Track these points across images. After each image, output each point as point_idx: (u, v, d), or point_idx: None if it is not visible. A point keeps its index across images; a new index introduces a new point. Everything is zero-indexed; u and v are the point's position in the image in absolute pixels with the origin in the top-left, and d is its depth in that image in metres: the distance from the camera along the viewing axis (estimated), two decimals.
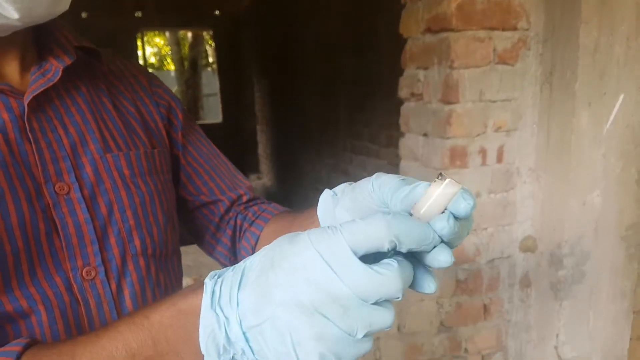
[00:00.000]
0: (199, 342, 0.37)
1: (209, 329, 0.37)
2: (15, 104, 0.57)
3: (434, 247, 0.37)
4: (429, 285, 0.39)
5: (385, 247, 0.34)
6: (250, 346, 0.36)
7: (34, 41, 0.63)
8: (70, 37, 0.64)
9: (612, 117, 1.67)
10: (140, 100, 0.73)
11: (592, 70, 1.62)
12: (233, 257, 0.81)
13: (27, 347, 0.42)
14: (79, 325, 0.57)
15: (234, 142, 8.11)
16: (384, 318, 0.34)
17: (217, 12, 7.82)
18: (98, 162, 0.62)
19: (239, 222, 0.80)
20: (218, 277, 0.39)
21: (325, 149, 4.60)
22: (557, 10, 1.66)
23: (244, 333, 0.36)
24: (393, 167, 3.18)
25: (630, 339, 1.95)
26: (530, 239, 1.84)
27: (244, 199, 0.82)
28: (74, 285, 0.58)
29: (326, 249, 0.34)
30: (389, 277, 0.33)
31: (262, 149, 7.90)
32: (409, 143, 1.94)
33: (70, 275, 0.57)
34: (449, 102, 1.70)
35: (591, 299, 1.82)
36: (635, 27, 1.61)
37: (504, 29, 1.69)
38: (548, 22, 1.70)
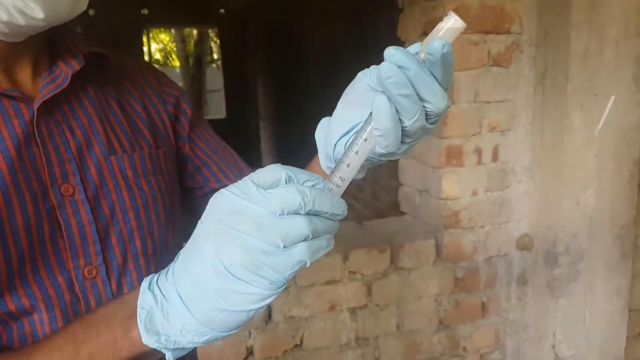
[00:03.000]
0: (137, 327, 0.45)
1: (146, 309, 0.44)
2: (26, 109, 0.59)
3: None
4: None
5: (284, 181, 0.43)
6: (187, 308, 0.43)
7: (46, 47, 0.65)
8: (79, 43, 0.66)
9: (603, 118, 1.71)
10: (148, 98, 0.75)
11: (583, 72, 1.66)
12: None
13: None
14: None
15: (237, 137, 8.13)
16: (298, 227, 0.40)
17: (222, 11, 7.85)
18: (102, 164, 0.64)
19: None
20: (157, 275, 0.47)
21: None
22: (548, 15, 1.70)
23: (180, 297, 0.43)
24: (393, 162, 3.23)
25: (627, 337, 1.99)
26: (526, 237, 1.89)
27: None
28: (76, 284, 0.59)
29: (237, 188, 0.42)
30: (285, 192, 0.41)
31: (265, 145, 7.95)
32: None
33: (73, 274, 0.59)
34: None
35: (587, 298, 1.86)
36: (624, 31, 1.65)
37: (497, 33, 1.73)
38: (540, 26, 1.74)
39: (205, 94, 11.95)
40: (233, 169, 0.82)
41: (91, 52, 0.67)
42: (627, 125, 1.74)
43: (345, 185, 0.48)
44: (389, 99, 0.47)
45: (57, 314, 0.58)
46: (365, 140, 0.48)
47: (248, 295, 0.41)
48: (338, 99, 0.54)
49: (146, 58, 10.93)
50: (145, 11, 7.38)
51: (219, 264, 0.41)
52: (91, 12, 6.78)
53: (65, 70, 0.62)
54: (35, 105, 0.59)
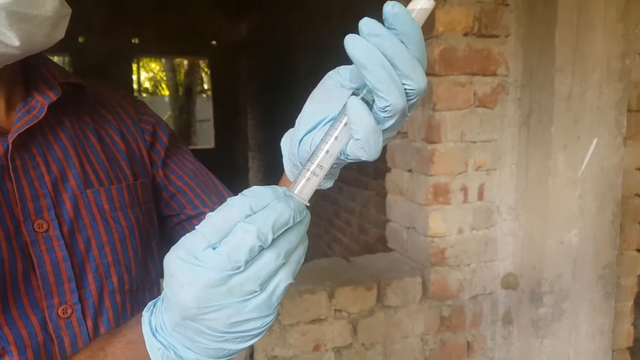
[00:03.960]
0: None
1: (160, 352, 0.44)
2: (0, 142, 0.57)
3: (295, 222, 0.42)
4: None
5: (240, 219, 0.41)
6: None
7: (20, 77, 0.63)
8: (55, 73, 0.65)
9: (586, 160, 1.74)
10: (126, 127, 0.74)
11: (567, 115, 1.70)
12: None
13: None
14: None
15: (225, 167, 8.15)
16: (267, 266, 0.40)
17: (213, 42, 7.96)
18: (78, 198, 0.62)
19: None
20: (153, 307, 0.46)
21: None
22: (534, 58, 1.75)
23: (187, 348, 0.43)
24: (381, 198, 3.24)
25: None
26: (511, 276, 1.89)
27: None
28: (49, 324, 0.57)
29: (185, 252, 0.41)
30: (237, 243, 0.40)
31: (254, 175, 7.96)
32: (395, 178, 2.00)
33: (46, 313, 0.57)
34: (432, 142, 1.77)
35: (571, 337, 1.86)
36: (606, 76, 1.70)
37: (484, 75, 1.78)
38: (526, 69, 1.79)
39: (195, 124, 11.98)
40: (212, 194, 0.79)
41: (67, 82, 0.65)
42: (609, 167, 1.77)
43: (322, 174, 0.45)
44: (363, 98, 0.44)
45: (29, 356, 0.56)
46: (345, 124, 0.45)
47: (243, 338, 0.42)
48: None
49: (135, 86, 10.97)
50: (136, 40, 7.45)
51: (207, 334, 0.41)
52: (80, 39, 6.84)
53: (41, 101, 0.60)
54: (10, 139, 0.57)
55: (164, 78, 14.39)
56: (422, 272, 1.83)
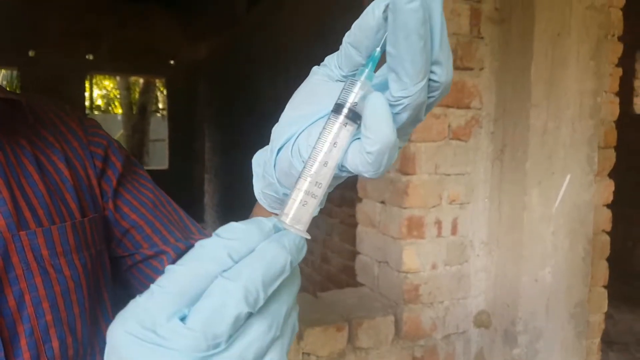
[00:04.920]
0: None
1: None
2: None
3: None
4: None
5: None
6: None
7: None
8: None
9: (560, 196, 1.72)
10: (73, 151, 0.62)
11: (541, 150, 1.69)
12: None
13: None
14: None
15: (179, 189, 7.91)
16: (257, 340, 0.28)
17: (172, 62, 7.79)
18: (9, 243, 0.51)
19: None
20: None
21: None
22: (507, 92, 1.74)
23: None
24: (346, 226, 3.16)
25: None
26: (484, 314, 1.84)
27: None
28: None
29: (140, 328, 0.27)
30: (217, 317, 0.27)
31: (209, 199, 7.75)
32: (366, 209, 1.92)
33: None
34: (406, 173, 1.71)
35: None
36: (579, 112, 1.70)
37: (458, 107, 1.75)
38: (499, 103, 1.77)
39: (148, 144, 11.64)
40: (175, 230, 0.66)
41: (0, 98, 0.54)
42: (581, 204, 1.76)
43: (321, 193, 0.34)
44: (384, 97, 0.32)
45: None
46: (345, 125, 0.33)
47: None
48: None
49: (87, 104, 10.58)
50: (90, 57, 7.19)
51: None
52: (31, 52, 6.52)
53: None
54: None
55: (118, 96, 14.00)
56: (394, 310, 1.75)
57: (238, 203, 5.95)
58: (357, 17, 0.34)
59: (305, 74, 0.37)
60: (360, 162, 0.34)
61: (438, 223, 1.77)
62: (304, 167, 0.34)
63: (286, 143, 0.38)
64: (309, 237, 0.33)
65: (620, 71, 1.87)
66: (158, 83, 11.45)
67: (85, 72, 7.54)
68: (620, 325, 4.09)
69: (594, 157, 1.74)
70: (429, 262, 1.75)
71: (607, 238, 2.00)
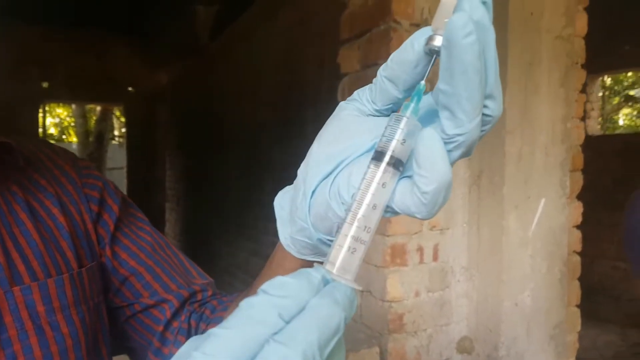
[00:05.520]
0: None
1: None
2: None
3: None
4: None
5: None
6: None
7: None
8: None
9: (536, 220, 1.76)
10: (68, 195, 0.58)
11: (517, 175, 1.72)
12: None
13: None
14: None
15: None
16: None
17: (130, 89, 7.65)
18: (1, 301, 0.47)
19: (193, 323, 0.61)
20: None
21: (245, 232, 4.47)
22: None
23: None
24: None
25: None
26: (466, 340, 1.83)
27: (200, 296, 0.63)
28: None
29: None
30: None
31: (171, 229, 7.55)
32: None
33: None
34: None
35: None
36: (552, 138, 1.76)
37: None
38: None
39: (105, 172, 11.32)
40: (176, 275, 0.63)
41: None
42: (556, 226, 1.80)
43: (369, 239, 0.32)
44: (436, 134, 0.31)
45: None
46: (394, 165, 0.32)
47: None
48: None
49: (40, 132, 10.22)
50: (45, 84, 6.96)
51: None
52: None
53: None
54: None
55: (72, 124, 13.58)
56: (379, 340, 1.72)
57: (203, 233, 5.82)
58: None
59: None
60: (413, 203, 0.32)
61: (420, 250, 1.77)
62: (350, 211, 0.32)
63: (320, 184, 0.36)
64: (360, 288, 0.31)
65: (584, 97, 1.95)
66: (115, 109, 11.20)
67: (39, 100, 7.30)
68: (584, 341, 4.20)
69: (566, 181, 1.80)
70: (412, 289, 1.75)
71: (578, 259, 2.05)
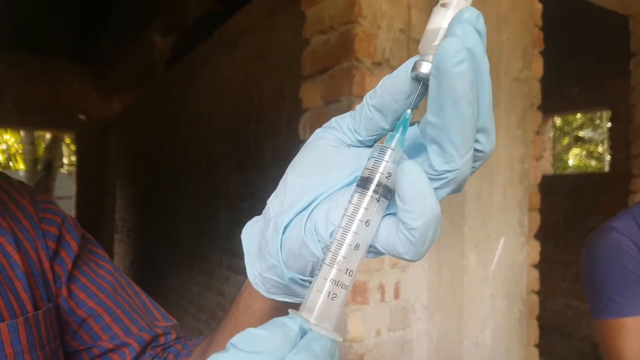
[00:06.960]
0: None
1: None
2: None
3: None
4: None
5: None
6: None
7: None
8: None
9: (495, 259, 1.77)
10: (23, 231, 0.54)
11: (477, 215, 1.74)
12: None
13: None
14: None
15: None
16: None
17: (82, 117, 7.43)
18: None
19: None
20: None
21: (197, 265, 4.33)
22: None
23: None
24: None
25: None
26: None
27: (162, 340, 0.59)
28: None
29: None
30: None
31: (120, 261, 7.24)
32: None
33: None
34: None
35: None
36: (510, 178, 1.79)
37: None
38: None
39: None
40: (137, 317, 0.59)
41: None
42: (515, 265, 1.82)
43: (351, 283, 0.29)
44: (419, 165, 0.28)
45: None
46: (378, 200, 0.29)
47: None
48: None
49: None
50: None
51: None
52: None
53: None
54: None
55: (20, 151, 13.01)
56: None
57: (154, 266, 5.60)
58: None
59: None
60: (399, 242, 0.29)
61: (381, 287, 1.74)
62: (330, 251, 0.29)
63: (295, 220, 0.32)
64: (340, 339, 0.28)
65: (540, 138, 2.02)
66: (64, 137, 10.83)
67: None
68: None
69: (524, 220, 1.83)
70: (374, 328, 1.70)
71: (536, 298, 2.07)
